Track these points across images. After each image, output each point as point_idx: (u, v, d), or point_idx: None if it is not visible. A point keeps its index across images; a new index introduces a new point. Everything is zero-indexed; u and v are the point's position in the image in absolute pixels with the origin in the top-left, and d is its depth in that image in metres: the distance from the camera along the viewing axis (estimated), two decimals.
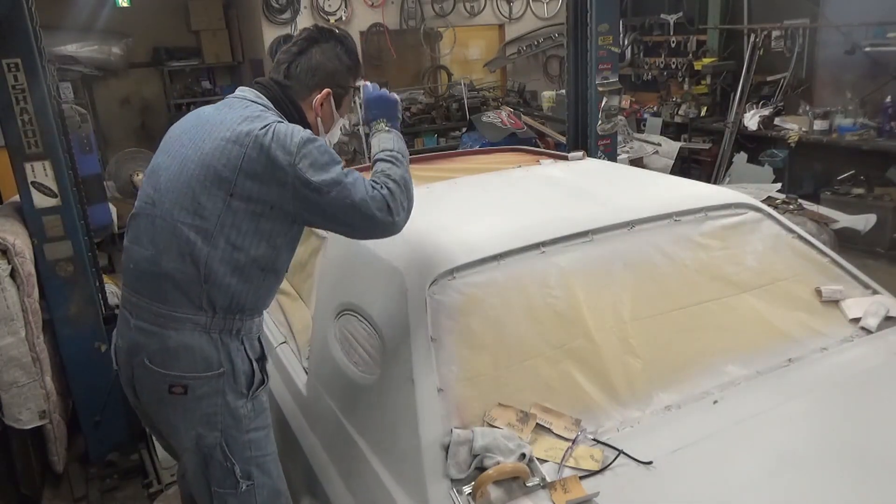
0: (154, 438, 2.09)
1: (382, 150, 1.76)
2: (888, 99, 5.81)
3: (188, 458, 1.79)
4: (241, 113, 1.68)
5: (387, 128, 1.80)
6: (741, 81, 7.05)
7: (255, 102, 1.74)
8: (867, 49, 5.95)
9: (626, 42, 8.34)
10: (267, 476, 1.82)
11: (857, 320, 2.08)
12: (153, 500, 3.08)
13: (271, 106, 1.76)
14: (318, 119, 1.84)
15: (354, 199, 1.62)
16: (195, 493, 1.90)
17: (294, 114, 1.79)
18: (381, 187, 1.67)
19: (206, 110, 1.79)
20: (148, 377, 1.71)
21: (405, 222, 1.74)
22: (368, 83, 1.88)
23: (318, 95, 1.82)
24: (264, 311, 1.89)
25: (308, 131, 1.66)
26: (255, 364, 1.77)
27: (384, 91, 1.84)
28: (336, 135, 1.93)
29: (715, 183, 6.17)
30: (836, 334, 2.04)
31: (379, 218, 1.65)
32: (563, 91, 5.50)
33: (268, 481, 1.82)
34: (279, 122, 1.66)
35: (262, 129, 1.60)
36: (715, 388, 1.81)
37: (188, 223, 1.63)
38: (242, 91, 1.80)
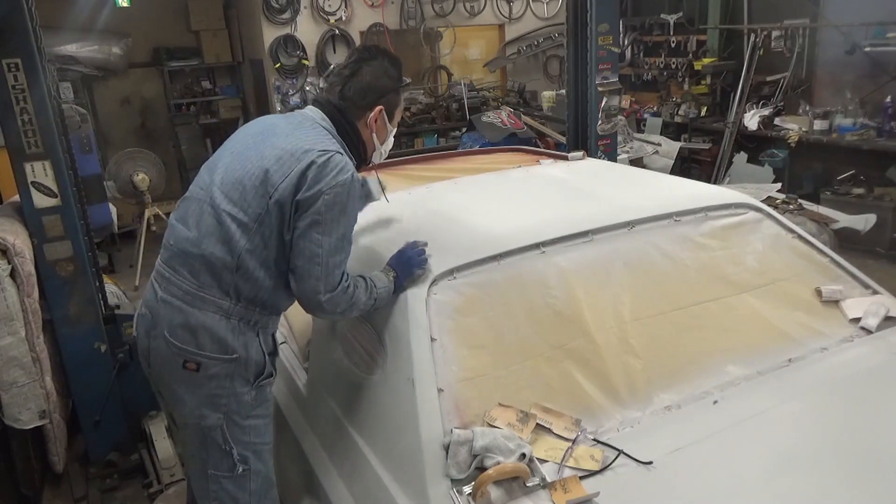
0: (161, 408, 2.15)
1: (375, 282, 1.83)
2: (888, 99, 5.81)
3: (188, 434, 1.88)
4: (309, 133, 1.80)
5: (390, 279, 1.86)
6: (741, 81, 7.05)
7: (321, 126, 1.85)
8: (867, 49, 5.95)
9: (626, 42, 8.34)
10: (263, 464, 1.90)
11: (857, 320, 2.08)
12: (153, 500, 3.09)
13: (334, 130, 1.86)
14: (374, 134, 1.94)
15: (327, 258, 1.73)
16: (190, 473, 1.98)
17: (351, 134, 1.90)
18: (347, 280, 1.78)
19: (276, 121, 1.90)
20: (166, 350, 1.80)
21: (325, 316, 1.85)
22: (419, 242, 1.93)
23: (372, 114, 1.90)
24: (282, 313, 1.97)
25: (354, 174, 1.76)
26: (266, 357, 1.86)
27: (418, 258, 1.89)
28: (390, 143, 2.03)
29: (715, 183, 6.17)
30: (836, 334, 2.04)
31: (318, 288, 1.73)
32: (563, 91, 5.50)
33: (263, 469, 1.90)
34: (339, 152, 1.77)
35: (320, 152, 1.73)
36: (715, 388, 1.81)
37: (232, 215, 1.75)
38: (312, 110, 1.90)
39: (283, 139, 1.78)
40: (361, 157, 1.94)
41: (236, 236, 1.74)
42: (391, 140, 2.03)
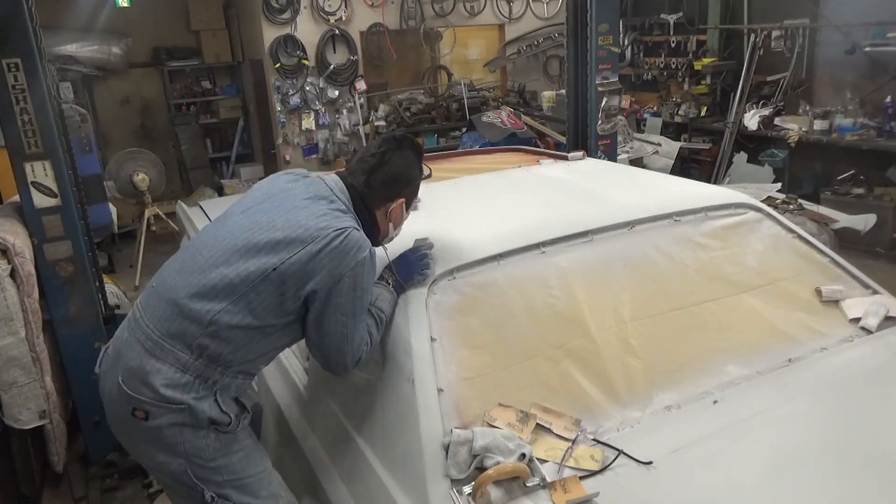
0: None
1: (378, 307, 1.81)
2: (888, 99, 5.81)
3: (156, 477, 1.85)
4: (324, 208, 1.75)
5: (391, 288, 1.85)
6: (741, 81, 7.05)
7: (340, 199, 1.79)
8: (867, 49, 5.95)
9: (626, 42, 8.34)
10: (250, 496, 1.80)
11: (857, 320, 2.08)
12: (153, 500, 3.08)
13: (351, 207, 1.81)
14: (391, 223, 1.90)
15: (352, 334, 1.72)
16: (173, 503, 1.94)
17: (368, 220, 1.84)
18: (366, 341, 1.77)
19: (293, 187, 1.83)
20: (117, 395, 1.74)
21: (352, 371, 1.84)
22: (423, 245, 1.91)
23: (394, 205, 1.86)
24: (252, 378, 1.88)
25: (371, 249, 1.73)
26: (231, 416, 1.76)
27: (419, 263, 1.87)
28: (401, 229, 1.97)
29: (715, 183, 6.17)
30: (836, 334, 2.04)
31: (347, 362, 1.75)
32: (563, 91, 5.50)
33: (252, 501, 1.80)
34: (356, 229, 1.73)
35: (337, 230, 1.68)
36: (715, 388, 1.81)
37: (223, 274, 1.69)
38: (335, 181, 1.84)
39: (299, 211, 1.73)
40: (373, 240, 1.85)
41: (221, 295, 1.67)
42: (403, 225, 1.98)
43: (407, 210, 1.93)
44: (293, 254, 1.66)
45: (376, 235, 1.88)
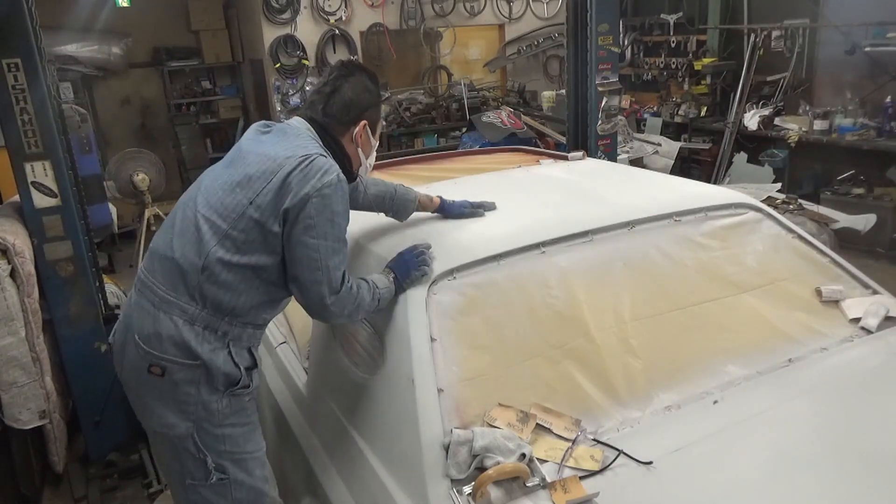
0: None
1: (376, 283, 1.82)
2: (888, 99, 5.81)
3: (160, 443, 1.87)
4: (293, 141, 1.80)
5: (390, 280, 1.85)
6: (741, 81, 7.05)
7: (307, 134, 1.83)
8: (867, 49, 5.95)
9: (626, 42, 8.34)
10: (245, 473, 1.85)
11: (857, 320, 2.08)
12: (153, 500, 3.09)
13: (318, 140, 1.84)
14: (359, 149, 1.93)
15: (327, 261, 1.71)
16: (166, 480, 1.97)
17: (336, 150, 1.87)
18: (350, 281, 1.77)
19: (261, 136, 1.87)
20: (134, 354, 1.80)
21: (333, 320, 1.84)
22: (419, 245, 1.91)
23: (357, 129, 1.89)
24: (263, 327, 1.93)
25: (340, 175, 1.74)
26: (242, 370, 1.81)
27: (415, 261, 1.87)
28: (374, 157, 2.01)
29: (715, 183, 6.18)
30: (836, 334, 2.04)
31: (323, 293, 1.72)
32: (563, 91, 5.50)
33: (245, 479, 1.85)
34: (322, 155, 1.76)
35: (302, 156, 1.72)
36: (715, 388, 1.81)
37: (206, 216, 1.76)
38: (298, 121, 1.88)
39: (268, 147, 1.79)
40: (348, 172, 1.89)
41: (207, 237, 1.74)
42: (374, 154, 2.01)
43: (373, 134, 1.95)
44: (266, 184, 1.71)
45: (349, 166, 1.91)
